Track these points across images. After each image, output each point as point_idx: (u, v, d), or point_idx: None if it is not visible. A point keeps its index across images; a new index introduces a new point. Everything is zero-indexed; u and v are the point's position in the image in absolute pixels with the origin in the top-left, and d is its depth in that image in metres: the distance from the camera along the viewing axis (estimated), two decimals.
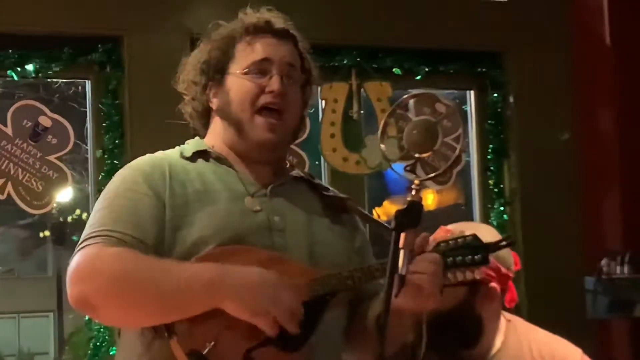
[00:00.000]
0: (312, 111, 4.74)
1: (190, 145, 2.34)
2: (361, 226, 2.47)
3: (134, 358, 2.19)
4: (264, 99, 2.26)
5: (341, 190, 4.77)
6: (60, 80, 4.56)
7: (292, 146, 4.54)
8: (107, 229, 2.14)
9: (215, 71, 2.32)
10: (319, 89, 4.69)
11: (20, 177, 4.19)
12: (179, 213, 2.18)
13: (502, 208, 4.84)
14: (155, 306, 2.09)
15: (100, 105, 4.32)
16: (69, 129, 4.30)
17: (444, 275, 2.17)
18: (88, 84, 4.43)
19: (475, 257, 2.18)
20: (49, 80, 4.49)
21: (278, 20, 2.38)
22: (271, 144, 2.29)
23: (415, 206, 2.02)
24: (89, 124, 4.41)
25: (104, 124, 4.30)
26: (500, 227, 4.81)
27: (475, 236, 2.20)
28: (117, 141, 4.26)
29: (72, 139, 4.29)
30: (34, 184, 4.20)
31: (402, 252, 1.97)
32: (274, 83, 2.26)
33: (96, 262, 2.10)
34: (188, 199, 2.20)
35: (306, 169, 4.61)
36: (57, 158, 4.25)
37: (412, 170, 2.09)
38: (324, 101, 4.70)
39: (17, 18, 4.18)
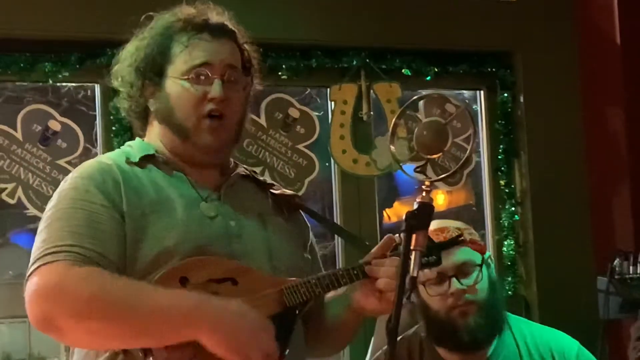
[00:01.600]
0: (321, 113, 4.76)
1: (135, 149, 2.25)
2: (307, 223, 2.44)
3: None
4: (207, 107, 2.19)
5: (352, 192, 4.81)
6: (69, 84, 4.56)
7: (302, 148, 4.61)
8: (67, 243, 2.03)
9: (153, 72, 2.23)
10: (328, 90, 4.70)
11: (30, 182, 4.20)
12: (137, 225, 2.09)
13: (513, 208, 4.83)
14: (129, 334, 2.01)
15: (109, 109, 4.33)
16: (78, 132, 4.31)
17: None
18: (97, 88, 4.44)
19: (430, 258, 2.23)
20: (58, 84, 4.49)
21: (215, 15, 2.28)
22: (215, 147, 2.22)
23: (425, 207, 2.01)
24: (98, 128, 4.42)
25: (113, 128, 4.31)
26: (511, 228, 4.82)
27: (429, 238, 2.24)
28: None
29: (82, 143, 4.30)
30: (44, 188, 4.21)
31: (413, 254, 1.97)
32: (215, 90, 2.18)
33: (63, 282, 1.99)
34: (145, 210, 2.11)
35: (316, 171, 4.62)
36: (67, 162, 4.26)
37: (422, 171, 2.08)
38: (333, 102, 4.69)
39: (26, 23, 4.18)
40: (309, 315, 2.27)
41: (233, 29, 2.29)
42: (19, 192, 4.18)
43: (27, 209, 4.23)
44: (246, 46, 2.32)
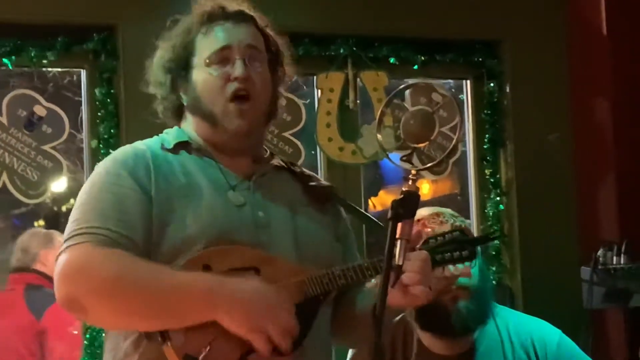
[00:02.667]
0: (307, 101, 4.75)
1: (171, 136, 2.30)
2: (344, 214, 2.45)
3: (120, 356, 2.15)
4: (231, 87, 2.22)
5: (337, 180, 4.81)
6: (55, 69, 4.54)
7: (288, 136, 4.60)
8: (94, 225, 2.09)
9: (180, 67, 2.28)
10: (315, 78, 4.69)
11: (16, 167, 4.19)
12: (164, 208, 2.14)
13: (498, 198, 4.84)
14: (149, 312, 2.06)
15: (95, 95, 4.32)
16: (64, 118, 4.30)
17: (433, 271, 2.19)
18: (83, 73, 4.43)
19: (463, 252, 2.22)
20: (43, 69, 4.47)
21: (232, 4, 2.32)
22: (245, 130, 2.25)
23: (411, 196, 2.01)
24: (84, 114, 4.41)
25: (99, 114, 4.30)
26: (496, 217, 4.82)
27: (461, 231, 2.24)
28: (112, 131, 4.26)
29: (67, 129, 4.30)
30: (29, 173, 4.20)
31: (398, 243, 1.97)
32: (237, 69, 2.22)
33: (88, 263, 2.06)
34: (172, 194, 2.16)
35: (302, 159, 4.62)
36: (52, 147, 4.26)
37: (409, 160, 2.09)
38: (319, 91, 4.69)
39: (12, 7, 4.16)
40: (340, 303, 2.30)
41: (251, 14, 2.33)
42: (4, 177, 4.17)
43: (12, 194, 4.21)
44: (269, 31, 2.36)
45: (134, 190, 2.15)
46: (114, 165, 2.20)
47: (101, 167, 2.23)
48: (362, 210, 2.52)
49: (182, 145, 2.28)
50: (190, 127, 2.32)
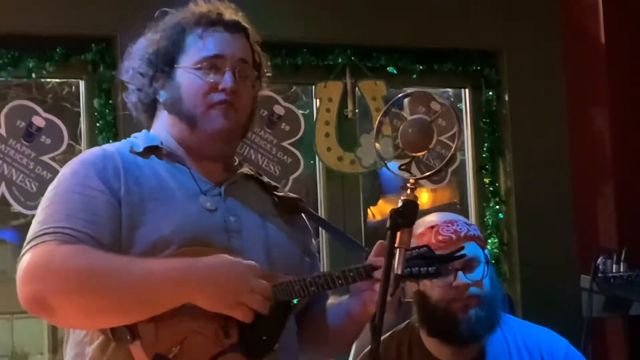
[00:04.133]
0: (306, 111, 4.75)
1: (140, 140, 2.26)
2: (309, 226, 2.45)
3: None
4: (216, 97, 2.21)
5: (336, 190, 4.81)
6: (53, 80, 4.54)
7: (287, 145, 4.60)
8: (60, 225, 2.04)
9: (164, 63, 2.25)
10: (314, 87, 4.70)
11: (14, 178, 4.18)
12: (135, 211, 2.10)
13: (497, 207, 4.84)
14: (122, 304, 2.01)
15: (93, 105, 4.32)
16: (62, 129, 4.30)
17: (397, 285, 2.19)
18: (81, 84, 4.43)
19: (429, 269, 2.19)
20: (42, 80, 4.48)
21: (230, 12, 2.30)
22: (226, 132, 2.23)
23: (410, 205, 2.00)
24: (82, 124, 4.41)
25: (97, 124, 4.30)
26: (495, 226, 4.83)
27: (428, 248, 2.22)
28: (110, 141, 4.25)
29: (66, 139, 4.29)
30: (28, 184, 4.19)
31: (397, 252, 1.96)
32: (227, 80, 2.21)
33: (51, 260, 2.00)
34: (144, 197, 2.13)
35: (301, 168, 4.62)
36: (51, 158, 4.25)
37: (407, 169, 2.08)
38: (318, 100, 4.69)
39: (11, 18, 4.17)
40: (307, 317, 2.29)
41: (246, 25, 2.32)
42: (3, 188, 4.16)
43: (11, 205, 4.20)
44: (257, 47, 2.35)
45: (102, 191, 2.10)
46: (81, 166, 2.16)
47: (68, 168, 2.18)
48: (329, 223, 2.51)
49: (152, 150, 2.24)
50: (163, 126, 2.29)
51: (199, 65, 2.22)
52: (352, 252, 2.41)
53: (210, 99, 2.21)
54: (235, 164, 2.37)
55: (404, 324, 2.90)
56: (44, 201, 2.13)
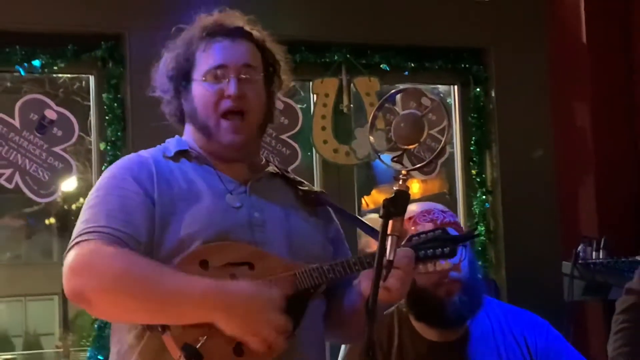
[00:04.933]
0: (304, 105, 4.75)
1: (172, 145, 2.33)
2: (334, 217, 2.47)
3: (125, 348, 2.18)
4: (224, 104, 2.24)
5: (332, 180, 4.81)
6: (65, 75, 4.55)
7: (285, 138, 4.60)
8: (102, 225, 2.11)
9: (182, 78, 2.30)
10: (311, 83, 4.70)
11: (27, 167, 4.18)
12: (166, 211, 2.16)
13: (484, 197, 4.85)
14: (148, 309, 2.08)
15: (103, 100, 4.32)
16: (73, 121, 4.29)
17: (416, 267, 2.22)
18: (91, 79, 4.43)
19: (444, 249, 2.24)
20: (54, 75, 4.48)
21: (233, 19, 2.33)
22: (238, 144, 2.27)
23: (402, 195, 2.01)
24: (92, 117, 4.41)
25: (106, 117, 4.30)
26: (482, 215, 4.83)
27: (444, 229, 2.27)
28: (119, 133, 4.26)
29: (77, 132, 4.29)
30: (40, 173, 4.20)
31: (389, 239, 1.97)
32: (231, 87, 2.24)
33: (94, 259, 2.08)
34: (174, 198, 2.19)
35: (299, 160, 4.62)
36: (62, 149, 4.25)
37: (399, 161, 2.09)
38: (315, 95, 4.70)
39: (24, 17, 4.17)
40: (331, 301, 2.31)
41: (249, 30, 2.33)
42: (17, 177, 4.16)
43: (25, 193, 4.21)
44: (268, 45, 2.36)
45: (138, 194, 2.17)
46: (120, 171, 2.24)
47: (108, 172, 2.26)
48: (350, 212, 2.52)
49: (182, 154, 2.30)
50: (189, 134, 2.35)
51: (205, 77, 2.26)
52: (374, 238, 2.43)
53: (220, 108, 2.25)
54: (262, 162, 2.41)
55: (393, 308, 2.91)
56: (87, 202, 2.21)
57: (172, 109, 2.36)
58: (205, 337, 2.05)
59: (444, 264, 2.53)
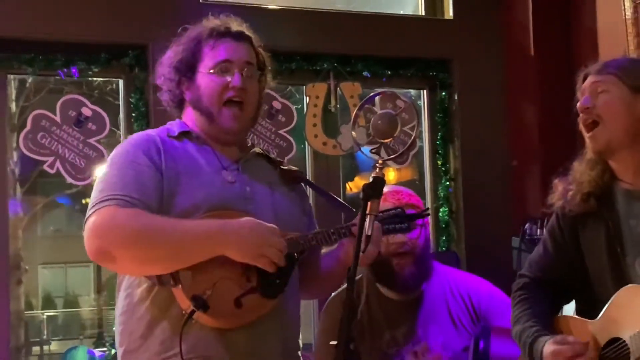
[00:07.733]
0: (299, 106, 4.75)
1: (175, 127, 2.30)
2: (307, 193, 2.48)
3: (135, 301, 2.16)
4: (228, 94, 2.24)
5: (321, 168, 4.80)
6: (98, 79, 4.53)
7: (283, 133, 4.60)
8: (118, 193, 2.08)
9: (187, 70, 2.28)
10: (304, 87, 4.69)
11: (67, 156, 4.17)
12: (172, 182, 2.14)
13: (447, 183, 4.85)
14: (166, 255, 2.05)
15: (130, 100, 4.31)
16: (105, 118, 4.28)
17: (383, 237, 2.30)
18: (121, 83, 4.42)
19: (403, 225, 2.30)
20: (89, 78, 4.47)
21: (236, 24, 2.32)
22: (236, 130, 2.27)
23: (379, 181, 2.02)
24: (121, 114, 4.40)
25: (133, 114, 4.29)
26: (446, 198, 4.84)
27: (402, 209, 2.33)
28: (143, 128, 4.24)
29: (108, 126, 4.28)
30: (77, 161, 4.19)
31: (368, 217, 1.97)
32: (235, 79, 2.23)
33: (114, 220, 2.04)
34: (179, 171, 2.16)
35: (293, 151, 4.62)
36: (96, 141, 4.24)
37: (377, 152, 2.09)
38: (307, 97, 4.69)
39: (64, 29, 4.16)
40: (306, 265, 2.31)
41: (250, 35, 2.33)
42: (58, 164, 4.15)
43: (64, 177, 4.20)
44: (260, 50, 2.37)
45: (149, 167, 2.14)
46: (130, 147, 2.20)
47: (121, 148, 2.22)
48: (323, 188, 2.54)
49: (185, 134, 2.28)
50: (189, 119, 2.31)
51: (213, 70, 2.25)
52: (341, 212, 2.45)
53: (224, 96, 2.24)
54: (249, 145, 2.42)
55: (361, 274, 2.94)
56: (103, 174, 2.16)
57: (172, 96, 2.32)
58: (212, 289, 2.04)
59: (400, 237, 2.59)
